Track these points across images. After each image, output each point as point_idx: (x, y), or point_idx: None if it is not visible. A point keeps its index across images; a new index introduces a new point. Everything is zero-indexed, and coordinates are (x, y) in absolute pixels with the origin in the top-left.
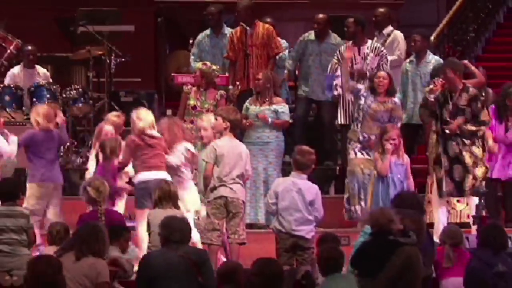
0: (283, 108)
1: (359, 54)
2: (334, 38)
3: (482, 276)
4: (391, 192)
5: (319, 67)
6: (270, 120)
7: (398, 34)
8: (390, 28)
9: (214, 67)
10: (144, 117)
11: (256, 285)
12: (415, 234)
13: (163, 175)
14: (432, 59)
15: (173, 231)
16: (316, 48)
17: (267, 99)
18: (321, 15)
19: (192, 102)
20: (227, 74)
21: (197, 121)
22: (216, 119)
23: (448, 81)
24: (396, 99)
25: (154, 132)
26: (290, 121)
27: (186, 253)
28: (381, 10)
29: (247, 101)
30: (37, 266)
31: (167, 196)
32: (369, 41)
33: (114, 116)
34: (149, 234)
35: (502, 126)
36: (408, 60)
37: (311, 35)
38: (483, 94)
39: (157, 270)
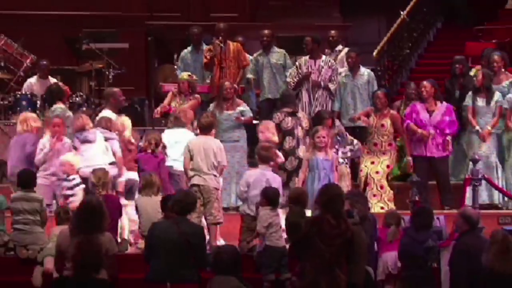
0: (245, 107)
1: (315, 66)
2: (276, 47)
3: (412, 250)
4: (315, 184)
5: (270, 72)
6: (243, 119)
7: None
8: (340, 46)
9: (195, 77)
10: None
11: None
12: (361, 215)
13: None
14: (365, 72)
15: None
16: (265, 58)
17: (230, 103)
18: (266, 31)
19: (173, 104)
20: (207, 82)
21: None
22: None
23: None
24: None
25: None
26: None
27: (184, 233)
28: (335, 32)
29: (211, 107)
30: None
31: (148, 184)
32: (324, 56)
33: None
34: (139, 217)
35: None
36: (343, 74)
37: (259, 52)
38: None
39: (159, 242)
